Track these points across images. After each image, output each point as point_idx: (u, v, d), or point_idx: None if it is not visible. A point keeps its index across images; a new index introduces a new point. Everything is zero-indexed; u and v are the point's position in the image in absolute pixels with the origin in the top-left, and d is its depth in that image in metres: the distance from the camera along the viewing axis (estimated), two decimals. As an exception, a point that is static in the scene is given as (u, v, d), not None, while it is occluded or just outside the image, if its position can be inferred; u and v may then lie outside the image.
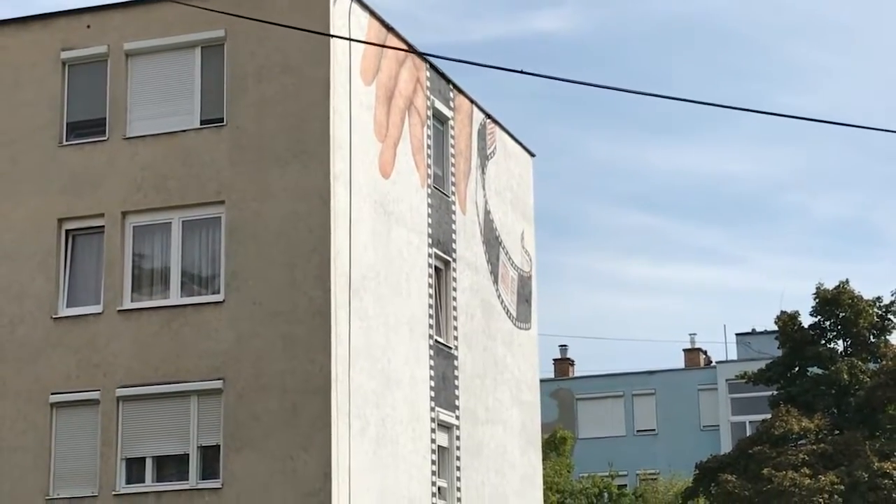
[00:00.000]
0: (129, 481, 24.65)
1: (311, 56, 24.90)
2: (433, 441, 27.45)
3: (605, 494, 46.89)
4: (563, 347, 65.19)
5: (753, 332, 59.48)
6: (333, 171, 24.49)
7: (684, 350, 63.74)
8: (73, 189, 25.82)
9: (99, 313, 25.27)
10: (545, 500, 44.33)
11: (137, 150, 25.63)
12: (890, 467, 37.69)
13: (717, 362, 60.52)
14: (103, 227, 25.55)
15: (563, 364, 64.66)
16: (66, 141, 26.15)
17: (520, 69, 16.62)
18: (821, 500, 37.12)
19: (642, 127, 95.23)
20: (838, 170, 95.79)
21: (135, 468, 24.74)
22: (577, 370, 64.87)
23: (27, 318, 25.56)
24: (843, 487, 37.39)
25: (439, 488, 27.68)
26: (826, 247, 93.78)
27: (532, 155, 34.41)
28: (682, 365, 63.20)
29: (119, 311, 25.16)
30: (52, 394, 25.12)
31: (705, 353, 63.67)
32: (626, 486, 48.80)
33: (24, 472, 25.01)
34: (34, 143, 26.17)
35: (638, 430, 60.23)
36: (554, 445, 45.60)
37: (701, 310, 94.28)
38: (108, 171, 25.70)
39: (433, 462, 27.34)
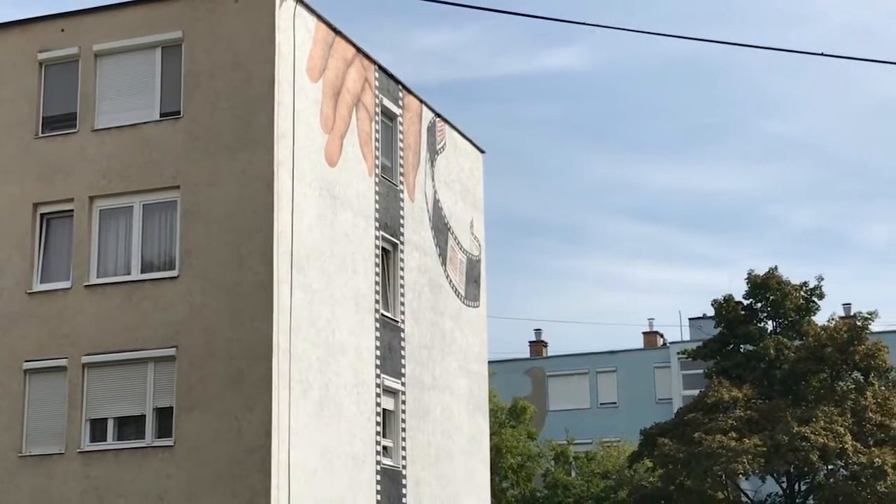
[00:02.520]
0: (92, 440, 23.45)
1: (259, 55, 23.62)
2: (378, 405, 26.08)
3: (561, 458, 45.47)
4: (538, 331, 64.07)
5: (704, 317, 58.09)
6: (277, 159, 23.18)
7: (643, 333, 62.57)
8: (46, 176, 24.64)
9: (68, 288, 24.06)
10: (505, 463, 43.21)
11: (104, 140, 24.42)
12: (808, 431, 36.39)
13: (670, 343, 59.10)
14: (73, 210, 24.35)
15: (537, 345, 63.37)
16: (42, 133, 24.97)
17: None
18: (745, 460, 35.86)
19: (642, 149, 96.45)
20: (810, 185, 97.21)
21: (98, 428, 23.53)
22: (551, 351, 63.67)
23: (4, 292, 24.41)
24: (765, 449, 36.13)
25: (384, 447, 26.33)
26: (800, 251, 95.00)
27: (482, 152, 33.04)
28: (641, 346, 61.86)
29: (86, 286, 23.95)
30: (26, 361, 23.97)
31: (662, 335, 62.31)
32: (586, 451, 47.32)
33: (0, 430, 23.83)
34: (13, 135, 25.05)
35: (601, 403, 58.83)
36: (516, 414, 44.22)
37: (692, 305, 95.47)
38: (78, 161, 24.50)
39: (378, 423, 25.97)
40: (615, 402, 58.64)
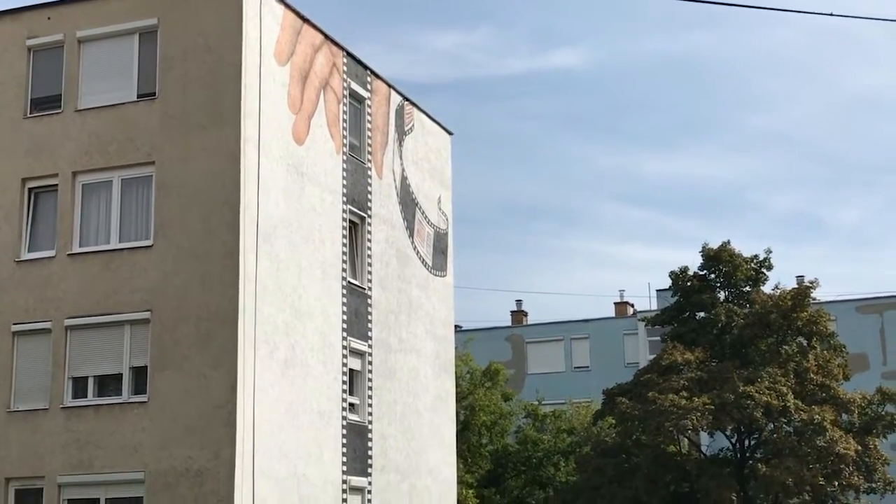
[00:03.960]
0: (74, 396, 23.05)
1: (228, 40, 23.08)
2: (345, 365, 25.60)
3: (532, 416, 44.99)
4: (519, 301, 63.60)
5: (670, 288, 57.63)
6: (244, 136, 22.66)
7: (615, 303, 61.86)
8: (34, 154, 24.17)
9: (52, 256, 23.61)
10: (478, 421, 42.76)
11: (86, 120, 23.91)
12: (753, 390, 35.87)
13: (638, 312, 58.48)
14: (57, 185, 23.87)
15: (518, 314, 62.80)
16: (30, 114, 24.47)
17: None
18: (694, 417, 35.35)
19: (636, 141, 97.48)
20: (790, 173, 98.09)
21: (79, 385, 23.11)
22: (531, 320, 63.10)
23: (-5, 261, 23.99)
24: (713, 407, 35.62)
25: (351, 404, 25.86)
26: (781, 234, 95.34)
27: (450, 133, 32.45)
28: (612, 314, 61.27)
29: (69, 254, 23.49)
30: (14, 324, 23.57)
31: (632, 305, 61.65)
32: (554, 409, 46.84)
33: (-11, 389, 23.47)
34: (3, 115, 24.58)
35: (575, 367, 58.22)
36: (490, 376, 43.74)
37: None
38: (63, 139, 24.01)
39: (344, 382, 25.48)
40: (588, 366, 58.03)
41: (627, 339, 57.90)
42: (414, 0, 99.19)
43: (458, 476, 40.50)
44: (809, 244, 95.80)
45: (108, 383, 22.92)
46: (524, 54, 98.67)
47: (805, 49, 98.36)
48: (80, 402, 22.87)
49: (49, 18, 24.54)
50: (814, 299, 45.13)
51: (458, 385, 42.11)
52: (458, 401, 41.91)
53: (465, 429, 41.90)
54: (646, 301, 61.98)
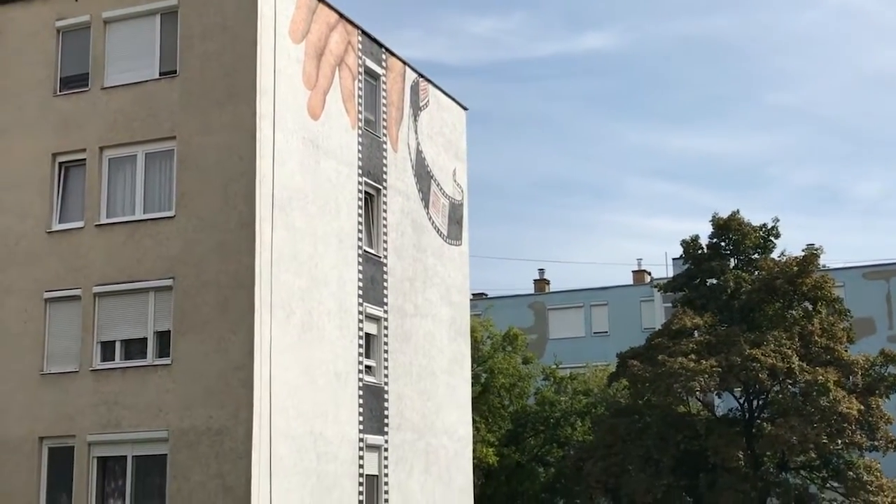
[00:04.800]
0: (102, 360, 22.96)
1: (243, 19, 22.82)
2: (361, 329, 25.40)
3: (551, 378, 44.67)
4: (542, 271, 63.09)
5: (681, 256, 57.19)
6: (260, 111, 22.42)
7: (632, 271, 61.39)
8: (63, 130, 24.05)
9: (81, 227, 23.52)
10: (497, 383, 42.49)
11: (112, 97, 23.74)
12: (758, 353, 35.35)
13: (655, 279, 57.92)
14: (85, 159, 23.74)
15: (540, 283, 62.35)
16: (59, 92, 24.33)
17: None
18: (701, 379, 34.93)
19: (663, 118, 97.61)
20: (809, 148, 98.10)
21: (107, 349, 23.03)
22: (553, 288, 62.67)
23: (28, 233, 23.92)
24: (720, 369, 35.18)
25: (367, 366, 25.67)
26: (800, 206, 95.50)
27: (465, 108, 32.04)
28: (630, 282, 60.76)
29: (96, 225, 23.39)
30: (46, 291, 23.51)
31: (649, 273, 61.10)
32: (570, 372, 46.51)
33: (24, 352, 23.45)
34: (35, 94, 24.45)
35: (594, 332, 57.81)
36: (509, 340, 43.44)
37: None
38: (90, 115, 23.87)
39: (360, 346, 25.30)
40: (607, 331, 57.57)
41: (644, 305, 57.39)
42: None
43: (479, 435, 40.47)
44: (828, 216, 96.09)
45: (134, 347, 22.82)
46: (556, 38, 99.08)
47: (827, 30, 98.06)
48: (108, 364, 22.81)
49: (76, 1, 24.35)
50: (822, 266, 44.70)
51: (478, 349, 41.96)
52: (478, 364, 41.78)
53: (485, 391, 41.68)
54: (663, 269, 61.75)
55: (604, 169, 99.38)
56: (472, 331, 41.13)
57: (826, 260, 41.37)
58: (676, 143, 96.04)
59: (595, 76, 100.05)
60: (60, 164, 24.04)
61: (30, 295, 23.58)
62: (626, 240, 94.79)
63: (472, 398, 40.21)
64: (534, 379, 44.05)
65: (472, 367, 40.87)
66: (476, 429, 40.15)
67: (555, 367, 45.56)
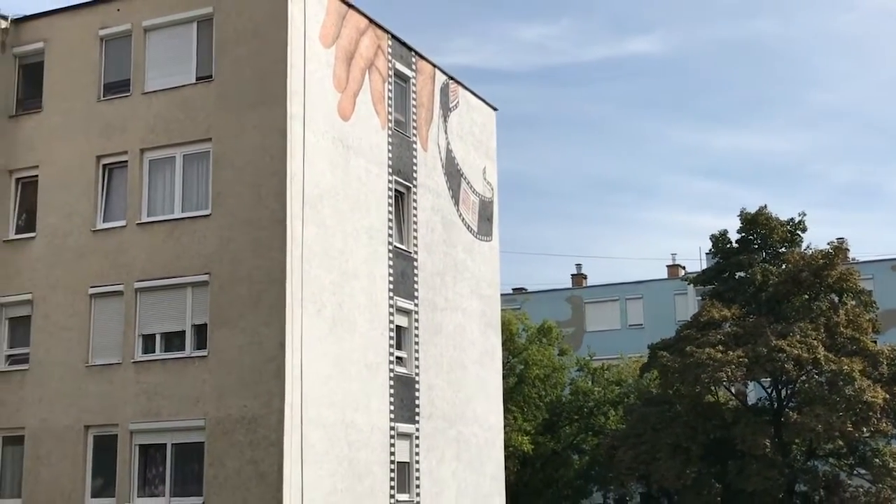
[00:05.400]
0: (144, 352, 23.02)
1: (274, 25, 22.75)
2: (391, 322, 25.28)
3: (585, 369, 44.34)
4: (579, 265, 62.71)
5: (710, 251, 56.58)
6: (290, 113, 22.34)
7: (667, 265, 60.78)
8: (107, 133, 24.15)
9: (123, 226, 23.60)
10: (531, 374, 42.22)
11: (152, 102, 23.79)
12: (784, 344, 34.88)
13: (687, 273, 57.26)
14: (127, 161, 23.82)
15: (578, 277, 61.93)
16: (103, 97, 24.41)
17: None
18: (728, 369, 34.48)
19: (707, 119, 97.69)
20: (849, 146, 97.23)
21: (148, 342, 23.07)
22: (590, 282, 62.22)
23: (74, 231, 24.06)
24: (746, 360, 34.69)
25: (398, 357, 25.55)
26: (839, 201, 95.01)
27: (494, 109, 31.81)
28: (665, 276, 60.12)
29: (138, 223, 23.46)
30: (90, 287, 23.63)
31: (683, 267, 60.38)
32: (602, 363, 46.11)
33: (71, 345, 23.59)
34: (80, 99, 24.58)
35: (630, 325, 57.30)
36: (544, 332, 43.13)
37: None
38: (132, 119, 23.94)
39: (391, 338, 25.18)
40: (641, 324, 56.99)
41: (678, 298, 56.68)
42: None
43: (516, 424, 40.24)
44: (866, 211, 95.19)
45: (173, 340, 22.85)
46: (602, 43, 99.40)
47: (867, 31, 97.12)
48: (149, 356, 22.87)
49: (118, 10, 24.45)
50: (852, 259, 43.87)
51: (514, 342, 41.72)
52: (514, 356, 41.55)
53: (520, 382, 41.44)
54: (697, 264, 60.85)
55: (648, 168, 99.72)
56: (508, 323, 41.01)
57: (862, 254, 40.73)
58: (719, 143, 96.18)
59: (640, 79, 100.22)
60: (104, 165, 24.13)
61: (76, 290, 23.72)
62: (667, 236, 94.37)
63: (508, 389, 40.12)
64: (568, 370, 43.69)
65: (508, 358, 40.81)
66: (513, 418, 39.97)
67: (588, 358, 45.20)
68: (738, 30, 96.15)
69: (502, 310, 43.42)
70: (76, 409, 23.18)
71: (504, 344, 40.85)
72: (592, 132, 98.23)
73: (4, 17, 25.38)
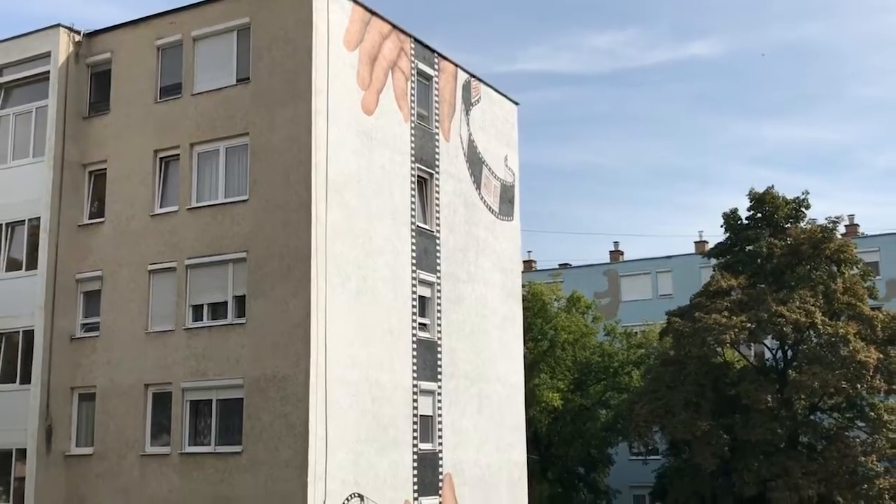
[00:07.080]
0: (193, 320, 23.03)
1: (302, 31, 22.52)
2: (414, 292, 24.96)
3: (612, 334, 43.54)
4: (616, 243, 61.64)
5: (722, 226, 55.32)
6: (315, 109, 22.10)
7: (694, 242, 59.29)
8: (162, 130, 24.17)
9: (176, 211, 23.63)
10: (560, 338, 41.57)
11: (199, 102, 23.75)
12: (784, 310, 33.80)
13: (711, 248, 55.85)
14: (179, 154, 23.86)
15: (615, 253, 60.87)
16: (159, 99, 24.45)
17: None
18: (732, 332, 33.54)
19: (761, 113, 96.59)
20: (890, 134, 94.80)
21: (197, 311, 23.07)
22: (626, 258, 61.15)
23: (136, 215, 24.18)
24: (750, 324, 33.68)
25: (421, 324, 25.24)
26: (883, 186, 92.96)
27: (516, 104, 31.17)
28: (692, 251, 58.75)
29: (188, 209, 23.46)
30: (150, 265, 23.72)
31: (707, 243, 58.90)
32: (626, 328, 45.23)
33: (133, 315, 23.73)
34: (140, 101, 24.64)
35: (660, 295, 56.01)
36: (573, 302, 42.43)
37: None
38: (183, 118, 23.92)
39: (414, 306, 24.88)
40: (671, 294, 55.61)
41: (703, 271, 54.98)
42: (574, 8, 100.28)
43: (550, 383, 39.70)
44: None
45: (218, 309, 22.81)
46: (665, 47, 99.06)
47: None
48: (197, 324, 22.88)
49: (171, 23, 24.46)
50: (861, 234, 42.29)
51: (546, 311, 41.13)
52: (546, 322, 40.96)
53: (552, 346, 40.86)
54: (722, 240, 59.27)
55: (708, 158, 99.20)
56: (541, 294, 40.43)
57: (864, 227, 39.05)
58: (773, 134, 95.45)
59: (700, 79, 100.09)
60: (161, 158, 24.18)
61: (137, 267, 23.85)
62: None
63: (542, 352, 39.58)
64: (595, 335, 42.94)
65: (541, 325, 40.25)
66: (548, 376, 39.45)
67: (614, 324, 44.38)
68: (788, 32, 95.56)
69: (540, 283, 43.00)
70: (138, 370, 23.35)
71: (538, 312, 40.42)
72: (657, 128, 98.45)
73: (77, 32, 25.57)
